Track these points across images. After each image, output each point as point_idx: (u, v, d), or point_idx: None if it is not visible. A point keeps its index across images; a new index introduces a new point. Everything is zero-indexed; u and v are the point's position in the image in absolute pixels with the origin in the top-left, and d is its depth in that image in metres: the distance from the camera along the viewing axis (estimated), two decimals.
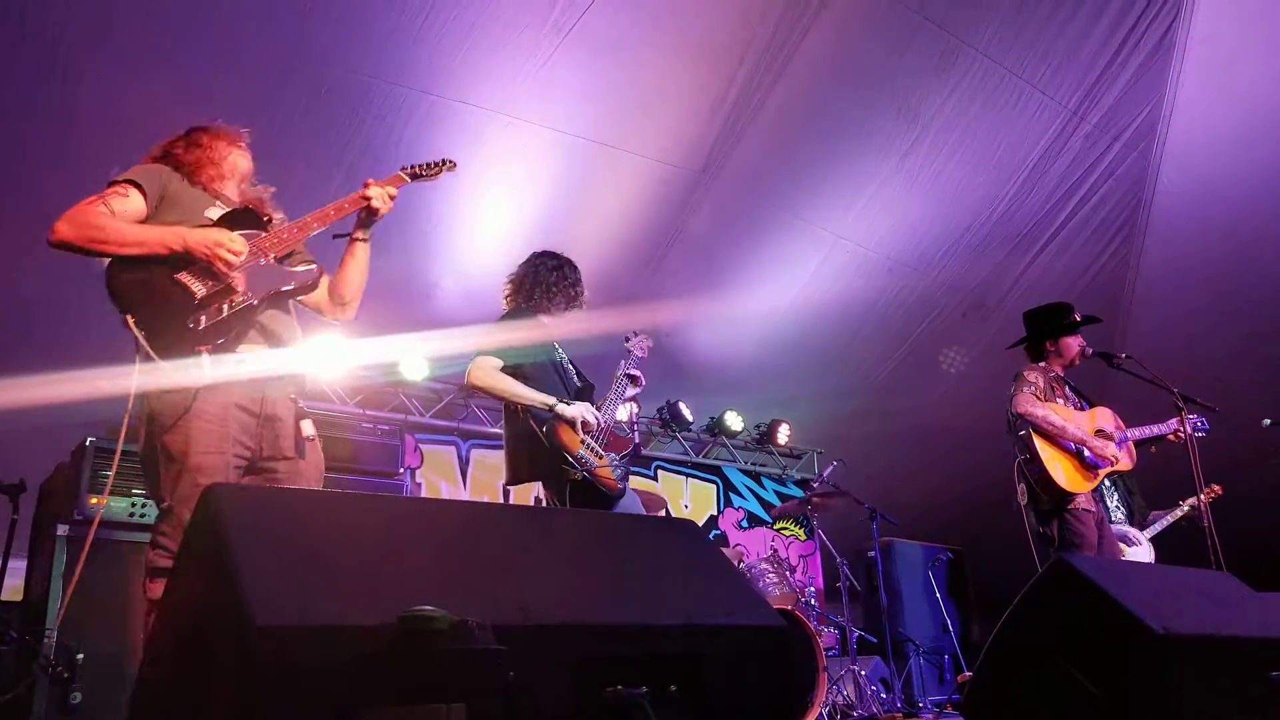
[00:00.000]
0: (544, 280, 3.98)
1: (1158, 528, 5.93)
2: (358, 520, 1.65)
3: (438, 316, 6.70)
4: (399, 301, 6.56)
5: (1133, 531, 5.83)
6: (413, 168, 3.11)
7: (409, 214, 6.15)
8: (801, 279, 7.49)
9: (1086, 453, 4.41)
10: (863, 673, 5.93)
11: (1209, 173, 7.28)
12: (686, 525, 2.03)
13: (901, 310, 7.92)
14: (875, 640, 6.59)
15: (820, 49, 6.10)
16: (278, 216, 2.97)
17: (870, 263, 7.50)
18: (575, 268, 4.11)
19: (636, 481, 7.86)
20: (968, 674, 6.56)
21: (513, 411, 3.81)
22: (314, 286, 2.85)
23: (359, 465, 6.02)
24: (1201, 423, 4.81)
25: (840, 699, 5.71)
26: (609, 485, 3.69)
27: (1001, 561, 5.78)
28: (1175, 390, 4.53)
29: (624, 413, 4.11)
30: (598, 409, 3.80)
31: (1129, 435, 4.61)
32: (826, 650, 5.97)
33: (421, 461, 7.19)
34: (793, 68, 6.15)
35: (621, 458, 3.81)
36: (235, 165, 2.95)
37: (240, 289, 2.57)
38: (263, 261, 2.66)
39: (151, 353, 2.42)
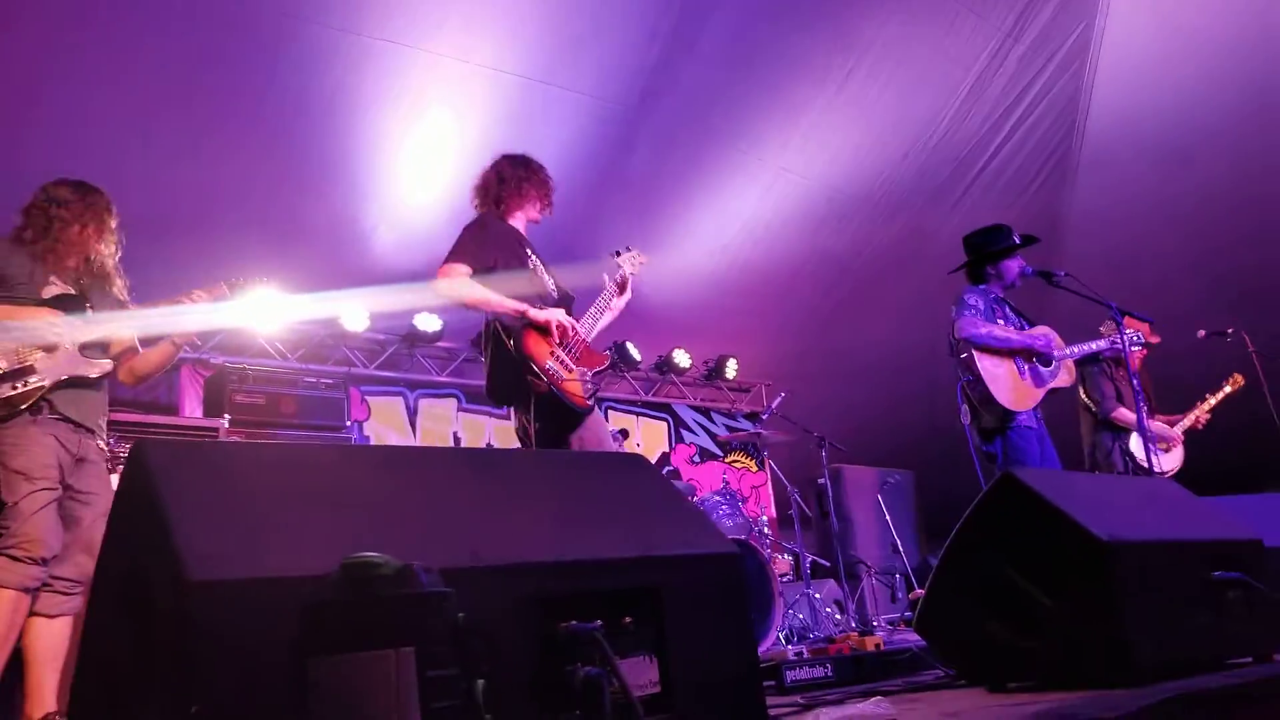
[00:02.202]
0: (510, 178, 3.81)
1: (1185, 424, 5.85)
2: (297, 470, 1.59)
3: (375, 264, 6.55)
4: (334, 251, 6.40)
5: (1168, 429, 5.77)
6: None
7: (340, 161, 5.96)
8: (743, 213, 7.45)
9: (1039, 355, 4.48)
10: (817, 596, 6.05)
11: (1140, 91, 7.37)
12: (636, 459, 2.00)
13: (843, 239, 7.94)
14: (828, 564, 6.72)
15: None
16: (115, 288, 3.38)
17: (811, 193, 7.48)
18: (541, 166, 3.95)
19: None
20: (919, 591, 6.74)
21: (488, 329, 3.59)
22: (106, 378, 3.30)
23: (304, 420, 5.92)
24: (1137, 336, 4.90)
25: (797, 623, 5.83)
26: (576, 401, 3.46)
27: (949, 481, 5.91)
28: (1113, 305, 4.60)
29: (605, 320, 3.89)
30: (576, 319, 3.63)
31: (1068, 352, 4.69)
32: (781, 576, 6.07)
33: (369, 414, 7.09)
34: None
35: (594, 374, 3.60)
36: (82, 240, 3.27)
37: (39, 370, 3.00)
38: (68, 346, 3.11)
39: None
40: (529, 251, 3.78)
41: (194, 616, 1.27)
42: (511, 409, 3.67)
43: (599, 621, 1.46)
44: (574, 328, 3.56)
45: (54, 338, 3.04)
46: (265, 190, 5.81)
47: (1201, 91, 7.31)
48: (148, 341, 3.47)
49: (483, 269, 3.53)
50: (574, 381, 3.46)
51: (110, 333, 3.24)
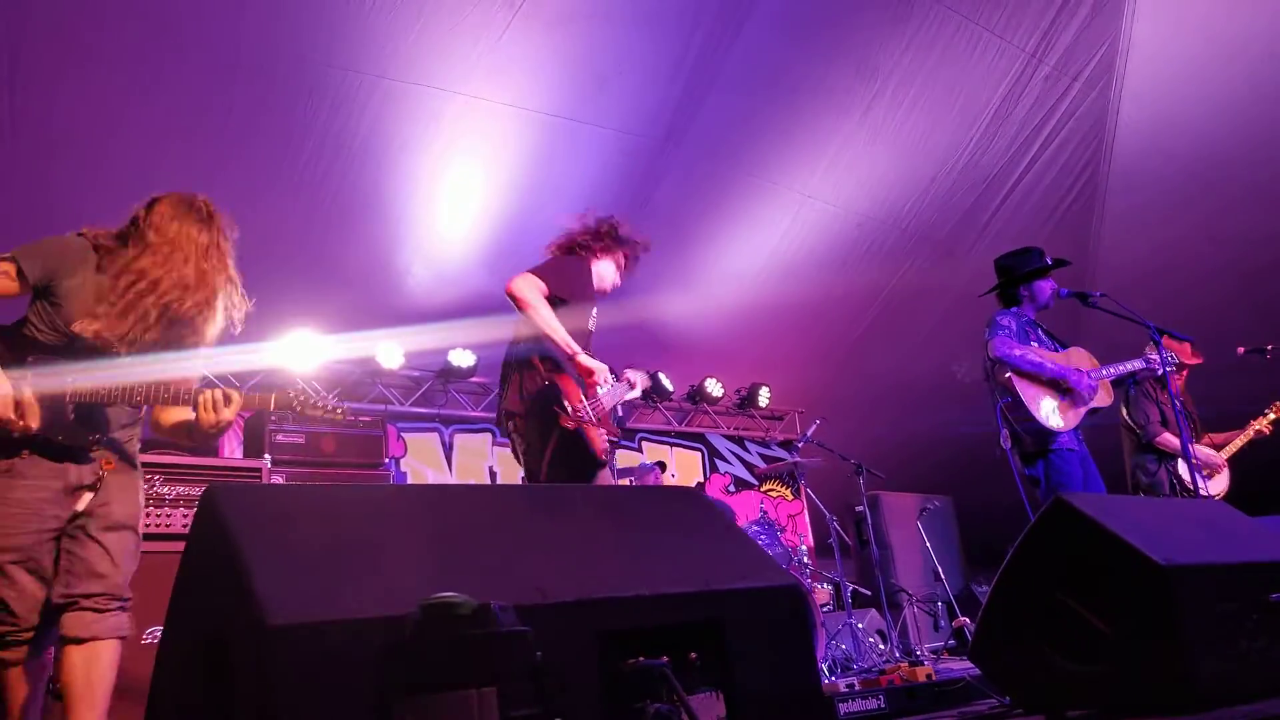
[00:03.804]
0: (611, 237, 3.95)
1: (1230, 449, 5.77)
2: (362, 511, 1.62)
3: (410, 303, 6.65)
4: (369, 290, 6.50)
5: (1212, 455, 5.65)
6: (291, 395, 2.79)
7: (374, 202, 6.07)
8: (771, 241, 7.48)
9: (1070, 388, 4.44)
10: (859, 626, 6.00)
11: (1168, 107, 7.33)
12: (690, 492, 2.02)
13: (873, 265, 7.94)
14: (869, 593, 6.66)
15: (774, 8, 6.05)
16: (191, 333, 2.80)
17: (839, 220, 7.50)
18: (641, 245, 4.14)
19: (622, 456, 7.87)
20: (962, 619, 6.65)
21: (518, 359, 3.61)
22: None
23: (343, 458, 5.97)
24: (1172, 357, 4.81)
25: (839, 653, 5.77)
26: (595, 448, 3.44)
27: (989, 506, 5.85)
28: (1151, 325, 4.55)
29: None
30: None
31: (1104, 373, 4.65)
32: (821, 606, 6.03)
33: (405, 450, 7.15)
34: (747, 29, 6.10)
35: (608, 438, 3.61)
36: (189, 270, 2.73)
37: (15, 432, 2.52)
38: (65, 405, 2.61)
39: None
40: (593, 296, 3.88)
41: (274, 661, 1.30)
42: (518, 437, 3.56)
43: (665, 658, 1.47)
44: (609, 389, 3.64)
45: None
46: (300, 232, 5.92)
47: (1232, 104, 7.26)
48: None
49: (554, 296, 3.57)
50: (598, 432, 3.47)
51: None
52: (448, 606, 1.18)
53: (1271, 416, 5.75)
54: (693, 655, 1.54)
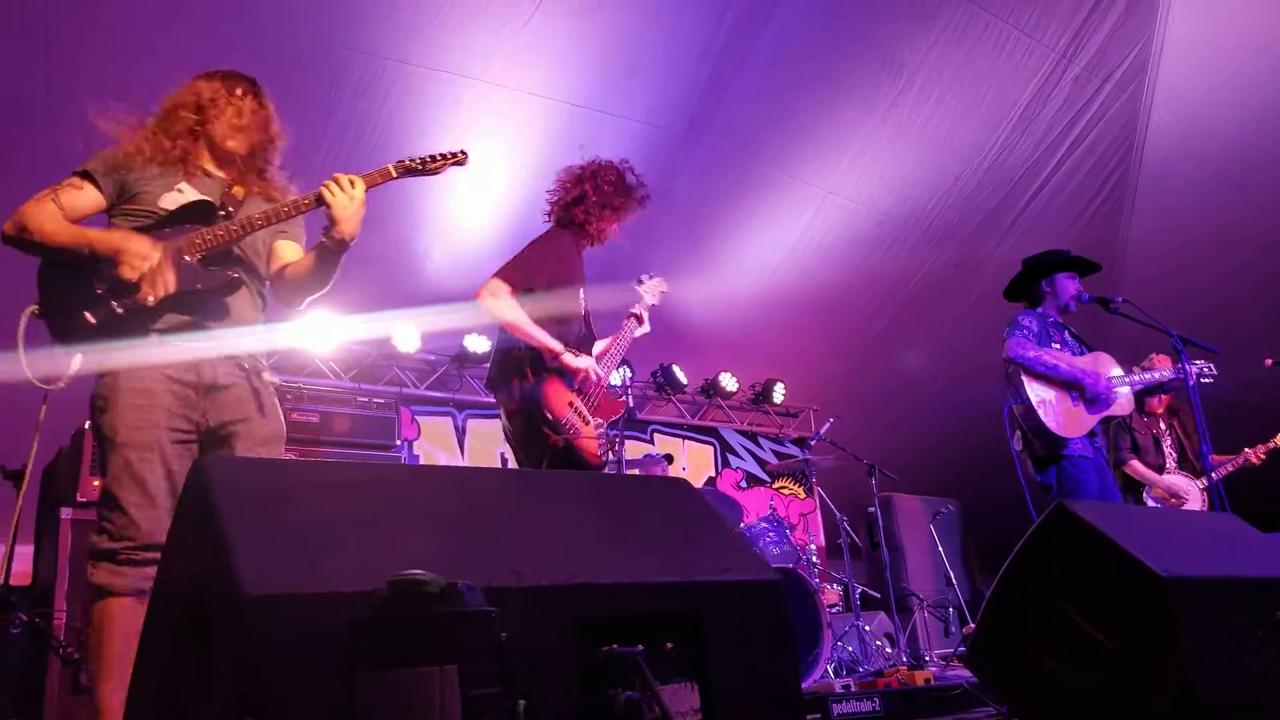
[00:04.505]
0: (594, 201, 3.62)
1: (1217, 475, 5.74)
2: (348, 488, 1.62)
3: (428, 287, 6.66)
4: (388, 274, 6.52)
5: (1184, 483, 5.66)
6: (408, 161, 2.70)
7: (395, 187, 6.07)
8: (792, 236, 7.44)
9: (1086, 391, 4.37)
10: (867, 628, 5.97)
11: (1201, 110, 7.22)
12: (679, 483, 2.01)
13: (894, 264, 7.87)
14: (879, 595, 6.62)
15: (801, 1, 6.00)
16: (277, 192, 2.78)
17: (861, 216, 7.45)
18: (641, 188, 3.77)
19: (633, 447, 7.86)
20: (973, 626, 6.60)
21: (507, 359, 3.49)
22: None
23: (356, 439, 6.02)
24: (1208, 369, 4.70)
25: (845, 655, 5.74)
26: (589, 455, 3.36)
27: (1003, 512, 5.79)
28: (1175, 334, 4.45)
29: (616, 377, 3.81)
30: (598, 359, 3.54)
31: (1129, 381, 4.56)
32: (830, 607, 6.00)
33: (419, 433, 7.19)
34: (774, 21, 6.06)
35: (610, 424, 3.53)
36: (221, 130, 2.72)
37: (146, 289, 2.42)
38: (187, 259, 2.50)
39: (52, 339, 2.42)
40: (579, 274, 3.69)
41: (249, 630, 1.31)
42: (515, 441, 3.49)
43: (640, 646, 1.46)
44: (599, 380, 3.47)
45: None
46: (320, 214, 5.95)
47: (1265, 110, 7.13)
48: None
49: (524, 289, 3.45)
50: (591, 438, 3.36)
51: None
52: (415, 584, 1.18)
53: (1273, 446, 5.68)
54: (669, 645, 1.53)
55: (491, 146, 6.09)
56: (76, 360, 2.43)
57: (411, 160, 2.70)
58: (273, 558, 1.41)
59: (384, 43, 5.32)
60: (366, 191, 2.60)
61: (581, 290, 3.69)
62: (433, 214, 6.35)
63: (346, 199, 2.55)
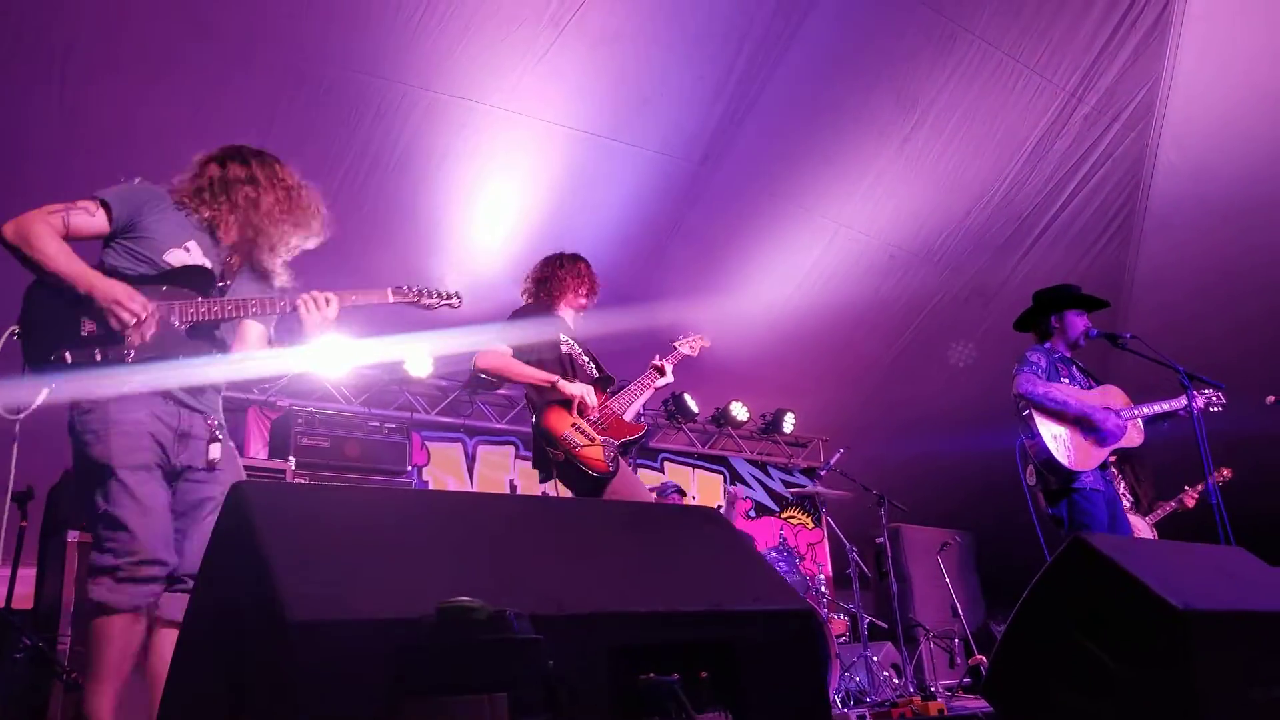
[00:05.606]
0: (550, 278, 4.11)
1: (1160, 514, 5.96)
2: (386, 514, 1.65)
3: (441, 312, 6.68)
4: None
5: (1140, 523, 5.81)
6: (406, 292, 3.00)
7: (410, 212, 6.15)
8: (804, 268, 7.49)
9: (1095, 426, 4.39)
10: (874, 659, 5.96)
11: (1207, 151, 7.29)
12: (709, 513, 2.03)
13: (904, 297, 7.92)
14: (886, 626, 6.61)
15: (817, 36, 6.09)
16: (278, 284, 2.92)
17: (872, 250, 7.50)
18: (581, 260, 4.22)
19: (644, 476, 7.87)
20: (978, 658, 6.58)
21: (529, 404, 3.91)
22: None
23: (367, 464, 6.03)
24: (1217, 397, 4.75)
25: (853, 685, 5.73)
26: (594, 465, 3.63)
27: (1011, 545, 5.80)
28: (1181, 369, 4.50)
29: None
30: (612, 395, 3.86)
31: (1138, 412, 4.60)
32: (838, 637, 5.99)
33: (428, 459, 7.20)
34: (790, 56, 6.15)
35: (620, 442, 3.76)
36: (247, 204, 2.85)
37: (129, 342, 2.53)
38: (175, 323, 2.64)
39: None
40: (569, 339, 4.04)
41: (292, 657, 1.33)
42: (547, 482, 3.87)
43: (676, 675, 1.49)
44: (595, 406, 3.78)
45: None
46: (337, 238, 6.01)
47: (1272, 151, 7.21)
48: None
49: (517, 349, 3.88)
50: (593, 447, 3.65)
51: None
52: (464, 611, 1.20)
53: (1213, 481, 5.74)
54: (703, 674, 1.55)
55: (509, 172, 6.17)
56: (44, 393, 2.50)
57: (409, 291, 3.00)
58: (315, 584, 1.43)
59: (406, 69, 5.41)
60: (358, 307, 2.88)
61: (579, 351, 4.09)
62: (447, 238, 6.40)
63: (319, 318, 2.79)
